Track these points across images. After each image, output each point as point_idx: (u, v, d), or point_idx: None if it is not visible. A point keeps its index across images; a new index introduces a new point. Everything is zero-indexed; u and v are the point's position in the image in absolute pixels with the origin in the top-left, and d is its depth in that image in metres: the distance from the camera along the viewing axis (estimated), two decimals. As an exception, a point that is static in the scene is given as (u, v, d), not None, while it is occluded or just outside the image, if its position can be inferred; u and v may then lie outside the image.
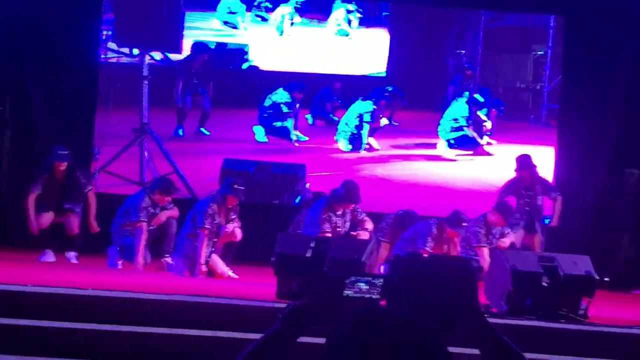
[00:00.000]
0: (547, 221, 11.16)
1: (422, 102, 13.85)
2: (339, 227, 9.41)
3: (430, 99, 13.93)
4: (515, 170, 10.93)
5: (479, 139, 13.29)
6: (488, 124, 13.45)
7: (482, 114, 13.34)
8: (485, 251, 9.85)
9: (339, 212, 9.42)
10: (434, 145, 13.47)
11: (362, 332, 1.66)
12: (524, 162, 10.85)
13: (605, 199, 12.18)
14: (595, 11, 12.13)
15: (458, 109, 13.38)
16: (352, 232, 9.50)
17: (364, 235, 9.35)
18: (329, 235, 9.07)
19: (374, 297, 1.91)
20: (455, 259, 1.76)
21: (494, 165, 13.13)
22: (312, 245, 7.39)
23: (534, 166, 10.87)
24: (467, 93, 13.48)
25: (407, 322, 1.67)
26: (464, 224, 9.98)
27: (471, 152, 13.34)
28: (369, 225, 9.65)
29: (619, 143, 12.24)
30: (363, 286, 1.92)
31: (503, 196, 10.86)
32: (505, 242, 10.22)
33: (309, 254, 7.21)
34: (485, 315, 1.94)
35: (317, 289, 1.93)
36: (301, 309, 1.92)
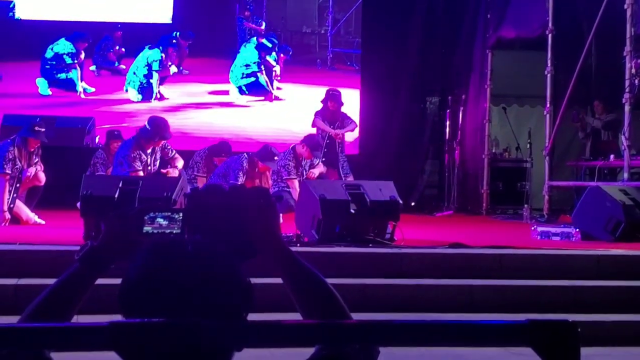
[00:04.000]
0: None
1: (210, 48, 13.50)
2: (149, 165, 9.25)
3: (218, 45, 13.60)
4: (323, 102, 11.16)
5: (269, 85, 13.34)
6: (277, 69, 13.52)
7: (271, 59, 13.38)
8: (296, 183, 10.03)
9: (149, 151, 9.25)
10: (225, 92, 13.33)
11: (156, 260, 1.63)
12: (334, 95, 11.09)
13: (409, 128, 12.71)
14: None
15: (248, 54, 13.35)
16: (162, 170, 9.38)
17: (174, 173, 9.26)
18: (141, 174, 8.91)
19: (174, 232, 1.88)
20: (254, 189, 1.76)
21: (286, 110, 13.23)
22: (120, 185, 7.22)
23: (342, 103, 11.17)
24: (254, 39, 13.46)
25: (203, 248, 1.66)
26: (275, 158, 10.12)
27: (262, 98, 13.34)
28: (179, 162, 9.56)
29: (418, 75, 12.78)
30: (162, 222, 1.88)
31: (314, 123, 11.07)
32: (315, 172, 10.45)
33: (116, 195, 7.05)
34: (287, 243, 1.96)
35: (114, 227, 1.88)
36: (98, 249, 1.86)
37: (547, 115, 11.27)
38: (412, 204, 12.19)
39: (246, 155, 10.07)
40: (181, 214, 1.89)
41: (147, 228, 1.88)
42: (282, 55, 13.48)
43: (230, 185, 1.90)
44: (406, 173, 12.24)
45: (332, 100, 11.11)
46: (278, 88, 13.42)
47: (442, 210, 12.31)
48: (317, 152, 10.38)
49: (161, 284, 1.59)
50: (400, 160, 12.45)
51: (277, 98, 13.34)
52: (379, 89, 12.69)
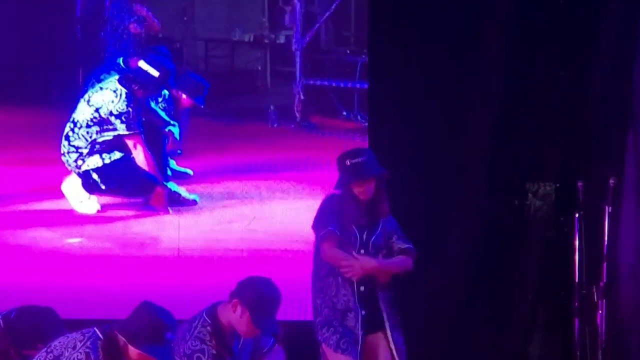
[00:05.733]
0: None
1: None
2: None
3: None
4: (337, 185, 5.50)
5: (156, 168, 7.17)
6: (175, 130, 7.58)
7: (159, 109, 7.75)
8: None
9: None
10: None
11: None
12: (358, 168, 5.28)
13: (485, 257, 6.36)
14: None
15: (99, 100, 7.28)
16: None
17: None
18: None
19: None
20: None
21: (201, 225, 6.99)
22: None
23: (382, 172, 5.37)
24: (120, 60, 7.73)
25: None
26: (167, 335, 4.56)
27: (144, 199, 7.19)
28: None
29: (503, 137, 6.43)
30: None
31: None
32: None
33: None
34: None
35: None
36: None
37: None
38: None
39: (98, 334, 4.47)
40: None
41: None
42: (184, 96, 7.44)
43: None
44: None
45: (358, 176, 5.21)
46: (181, 175, 7.35)
47: None
48: (268, 321, 4.62)
49: None
50: (467, 329, 6.13)
51: (178, 199, 7.06)
52: (411, 173, 6.30)
